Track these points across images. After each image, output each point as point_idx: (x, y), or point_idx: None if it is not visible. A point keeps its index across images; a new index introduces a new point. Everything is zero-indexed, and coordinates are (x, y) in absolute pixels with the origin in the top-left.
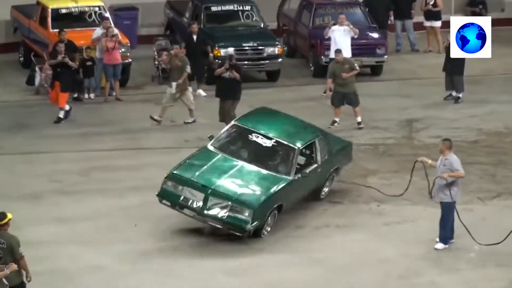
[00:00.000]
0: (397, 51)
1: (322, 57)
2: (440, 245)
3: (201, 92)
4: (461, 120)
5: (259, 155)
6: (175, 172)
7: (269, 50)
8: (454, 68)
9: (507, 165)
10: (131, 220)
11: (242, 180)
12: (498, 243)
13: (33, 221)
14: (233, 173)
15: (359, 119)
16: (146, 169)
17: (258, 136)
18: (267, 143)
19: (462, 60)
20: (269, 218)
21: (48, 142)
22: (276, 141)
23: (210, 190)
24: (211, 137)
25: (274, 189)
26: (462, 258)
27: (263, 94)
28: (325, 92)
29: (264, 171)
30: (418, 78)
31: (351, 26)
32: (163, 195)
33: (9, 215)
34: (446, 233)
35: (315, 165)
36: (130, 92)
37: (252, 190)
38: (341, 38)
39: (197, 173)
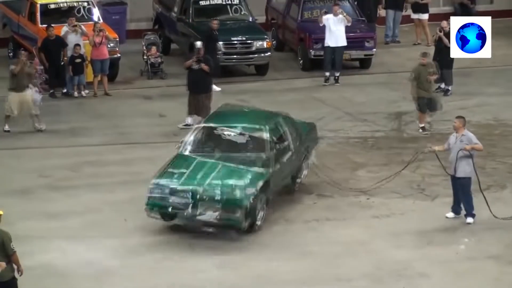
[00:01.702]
0: (386, 43)
1: (311, 50)
2: (470, 219)
3: (215, 87)
4: (450, 112)
5: (235, 152)
6: (159, 182)
7: (258, 44)
8: (443, 62)
9: (496, 157)
10: (121, 215)
11: (226, 180)
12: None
13: (23, 216)
14: (215, 174)
15: (422, 124)
16: (136, 164)
17: (229, 133)
18: (239, 138)
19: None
20: (259, 212)
21: (37, 137)
22: (248, 136)
23: (198, 196)
24: (181, 142)
25: (258, 183)
26: (452, 250)
27: (252, 88)
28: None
29: (245, 168)
30: (407, 71)
31: (345, 14)
32: (151, 207)
33: (0, 211)
34: (470, 206)
35: (290, 153)
36: (119, 87)
37: (238, 188)
38: (335, 26)
39: (181, 181)
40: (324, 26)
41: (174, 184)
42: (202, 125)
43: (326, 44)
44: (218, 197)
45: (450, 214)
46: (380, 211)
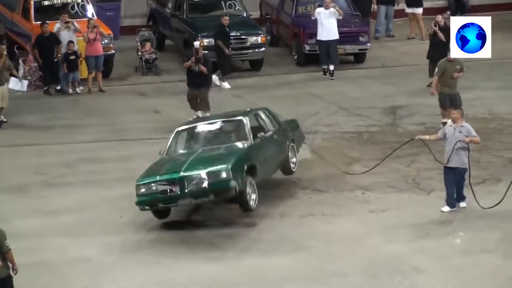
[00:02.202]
0: (376, 38)
1: (305, 45)
2: (463, 204)
3: (225, 84)
4: None
5: (213, 138)
6: (142, 178)
7: (252, 39)
8: (437, 56)
9: (492, 151)
10: (116, 211)
11: (207, 158)
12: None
13: (19, 213)
14: (196, 156)
15: (444, 120)
16: (131, 160)
17: (204, 126)
18: (215, 126)
19: (446, 48)
20: (248, 184)
21: (32, 135)
22: (223, 121)
23: (181, 174)
24: (161, 153)
25: (239, 152)
26: (447, 244)
27: (246, 83)
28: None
29: (224, 146)
30: (401, 65)
31: (337, 8)
32: (141, 202)
33: None
34: (462, 192)
35: (270, 132)
36: (113, 83)
37: (219, 159)
38: (326, 20)
39: (163, 170)
40: (316, 19)
41: (157, 174)
42: (178, 129)
43: (318, 38)
44: (201, 168)
45: (446, 208)
46: (376, 206)
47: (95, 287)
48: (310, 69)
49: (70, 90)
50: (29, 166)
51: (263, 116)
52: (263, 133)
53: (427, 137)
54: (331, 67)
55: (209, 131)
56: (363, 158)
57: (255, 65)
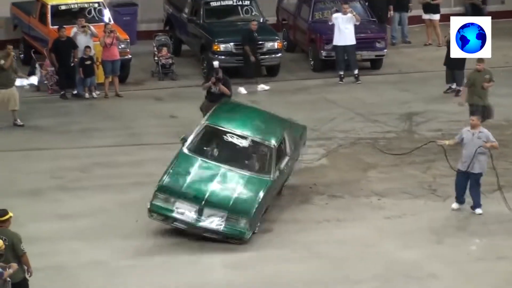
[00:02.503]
0: (393, 44)
1: (322, 51)
2: (479, 210)
3: (263, 86)
4: (462, 113)
5: (238, 157)
6: (163, 184)
7: (269, 44)
8: (455, 63)
9: (508, 158)
10: (132, 216)
11: (230, 187)
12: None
13: (34, 217)
14: (219, 179)
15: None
16: (146, 165)
17: (233, 136)
18: (243, 143)
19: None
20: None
21: (48, 139)
22: (252, 141)
23: (204, 201)
24: (183, 139)
25: (262, 192)
26: (463, 251)
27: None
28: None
29: (248, 174)
30: (418, 72)
31: (354, 13)
32: (155, 210)
33: (10, 213)
34: (479, 198)
35: (287, 158)
36: (130, 88)
37: (243, 197)
38: (344, 25)
39: (186, 184)
40: (333, 25)
41: (179, 186)
42: (208, 124)
43: (335, 43)
44: (224, 205)
45: (455, 205)
46: (391, 212)
47: None
48: (327, 74)
49: (87, 95)
50: (45, 170)
51: (287, 137)
52: (282, 162)
53: (446, 142)
54: (355, 72)
55: (236, 145)
56: (379, 164)
57: (272, 71)
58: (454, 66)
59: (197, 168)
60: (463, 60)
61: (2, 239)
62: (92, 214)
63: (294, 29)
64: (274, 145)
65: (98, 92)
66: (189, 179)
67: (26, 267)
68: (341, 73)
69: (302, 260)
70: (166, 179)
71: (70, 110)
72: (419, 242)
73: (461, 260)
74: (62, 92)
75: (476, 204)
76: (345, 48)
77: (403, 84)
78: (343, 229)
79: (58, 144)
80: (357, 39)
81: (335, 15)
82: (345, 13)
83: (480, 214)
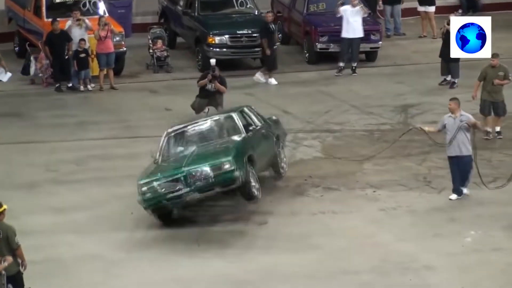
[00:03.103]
0: (387, 36)
1: (317, 43)
2: (465, 190)
3: (272, 80)
4: None
5: (206, 136)
6: (143, 178)
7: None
8: (450, 54)
9: (503, 150)
10: (127, 208)
11: (206, 153)
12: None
13: (29, 210)
14: (194, 153)
15: (498, 128)
16: (142, 158)
17: (195, 125)
18: (206, 124)
19: None
20: (250, 174)
21: (44, 132)
22: (213, 119)
23: (184, 170)
24: (153, 157)
25: (237, 143)
26: (458, 243)
27: (258, 81)
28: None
29: (219, 141)
30: (413, 64)
31: (361, 5)
32: (148, 204)
33: (4, 206)
34: (468, 181)
35: (258, 126)
36: (125, 81)
37: (219, 152)
38: (353, 18)
39: (164, 169)
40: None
41: (158, 174)
42: (168, 130)
43: (343, 35)
44: (203, 163)
45: (453, 196)
46: (387, 204)
47: (105, 283)
48: (322, 67)
49: (82, 88)
50: (40, 163)
51: (248, 112)
52: (252, 127)
53: (426, 128)
54: (354, 64)
55: (201, 130)
56: (375, 156)
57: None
58: (449, 59)
59: (171, 158)
60: None
61: None
62: (87, 207)
63: (289, 21)
64: (234, 114)
65: (93, 85)
66: (166, 166)
67: (20, 260)
68: (342, 65)
69: (298, 252)
70: (144, 176)
71: (65, 103)
72: (414, 234)
73: (456, 251)
74: (57, 85)
75: (464, 184)
76: (351, 40)
77: (398, 76)
78: (338, 221)
79: (53, 137)
80: None
81: (343, 7)
82: (353, 5)
83: (466, 194)
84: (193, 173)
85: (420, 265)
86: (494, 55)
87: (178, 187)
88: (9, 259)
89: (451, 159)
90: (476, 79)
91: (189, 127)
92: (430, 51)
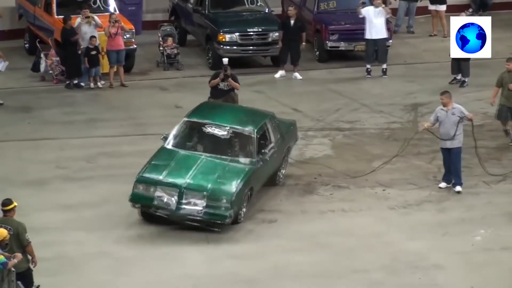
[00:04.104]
0: (395, 32)
1: (327, 42)
2: (459, 188)
3: (297, 75)
4: (467, 104)
5: (218, 146)
6: (143, 175)
7: (274, 35)
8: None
9: None
10: None
11: (211, 172)
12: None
13: (39, 207)
14: (199, 167)
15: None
16: (151, 155)
17: (212, 127)
18: (223, 132)
19: None
20: (242, 208)
21: (54, 129)
22: (232, 129)
23: (183, 186)
24: (164, 138)
25: (243, 174)
26: (467, 242)
27: (268, 79)
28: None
29: (229, 159)
30: (423, 63)
31: (383, 6)
32: (135, 199)
33: (15, 202)
34: (460, 176)
35: (271, 145)
36: (135, 78)
37: (224, 179)
38: (376, 19)
39: (165, 172)
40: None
41: (158, 175)
42: (188, 119)
43: (366, 36)
44: (203, 187)
45: (443, 184)
46: (396, 203)
47: (114, 281)
48: (332, 65)
49: (92, 85)
50: (50, 160)
51: (269, 125)
52: (267, 148)
53: (426, 124)
54: (384, 66)
55: (217, 134)
56: (384, 155)
57: (277, 61)
58: (460, 58)
59: (178, 159)
60: None
61: (7, 228)
62: (97, 204)
63: None
64: (253, 131)
65: (103, 82)
66: (169, 168)
67: (30, 257)
68: (369, 66)
69: (307, 250)
70: (145, 170)
71: (75, 100)
72: (424, 232)
73: (466, 250)
74: (67, 82)
75: (457, 182)
76: (375, 42)
77: (408, 75)
78: (348, 220)
79: (63, 134)
80: (362, 29)
81: (365, 8)
82: (376, 6)
83: (459, 192)
84: (190, 194)
85: (429, 264)
86: (509, 60)
87: (169, 200)
88: (19, 256)
89: (443, 150)
90: (495, 85)
91: (208, 124)
92: (441, 50)
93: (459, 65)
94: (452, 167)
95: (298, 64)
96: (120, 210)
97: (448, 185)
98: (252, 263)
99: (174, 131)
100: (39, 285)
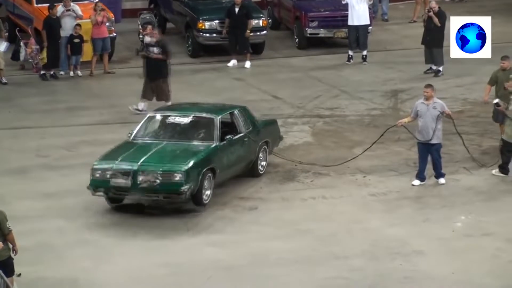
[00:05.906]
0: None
1: (307, 28)
2: (443, 180)
3: (247, 64)
4: (447, 90)
5: (181, 133)
6: (99, 161)
7: (254, 22)
8: (432, 41)
9: (493, 135)
10: None
11: (168, 154)
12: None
13: (20, 195)
14: (157, 150)
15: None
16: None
17: (175, 117)
18: (186, 120)
19: (441, 33)
20: (205, 182)
21: (34, 117)
22: (195, 116)
23: (136, 168)
24: (130, 134)
25: (200, 153)
26: (448, 228)
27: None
28: (498, 105)
29: (188, 143)
30: (403, 49)
31: None
32: (94, 186)
33: None
34: (441, 168)
35: (240, 134)
36: (115, 66)
37: (178, 158)
38: (358, 5)
39: (120, 158)
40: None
41: (113, 161)
42: (150, 113)
43: (349, 23)
44: (156, 166)
45: (416, 182)
46: (377, 189)
47: (95, 269)
48: (312, 52)
49: (71, 73)
50: (30, 148)
51: (238, 115)
52: (233, 135)
53: (405, 120)
54: (364, 52)
55: (180, 124)
56: (365, 142)
57: (257, 49)
58: (432, 44)
59: (137, 147)
60: (441, 38)
61: None
62: (78, 193)
63: (279, 6)
64: (216, 117)
65: (79, 73)
66: (124, 155)
67: (11, 246)
68: (351, 53)
69: (288, 237)
70: (101, 158)
71: (55, 88)
72: (404, 219)
73: (446, 236)
74: (42, 72)
75: (439, 174)
76: (357, 28)
77: (388, 61)
78: (328, 207)
79: (43, 123)
80: (342, 16)
81: None
82: None
83: (443, 184)
84: (143, 173)
85: (410, 250)
86: (504, 57)
87: (125, 181)
88: (0, 244)
89: (421, 143)
90: (487, 83)
91: (170, 116)
92: (421, 36)
93: (431, 53)
94: (432, 162)
95: (248, 52)
96: (101, 198)
97: (422, 183)
98: (232, 251)
99: (138, 127)
100: (20, 273)
